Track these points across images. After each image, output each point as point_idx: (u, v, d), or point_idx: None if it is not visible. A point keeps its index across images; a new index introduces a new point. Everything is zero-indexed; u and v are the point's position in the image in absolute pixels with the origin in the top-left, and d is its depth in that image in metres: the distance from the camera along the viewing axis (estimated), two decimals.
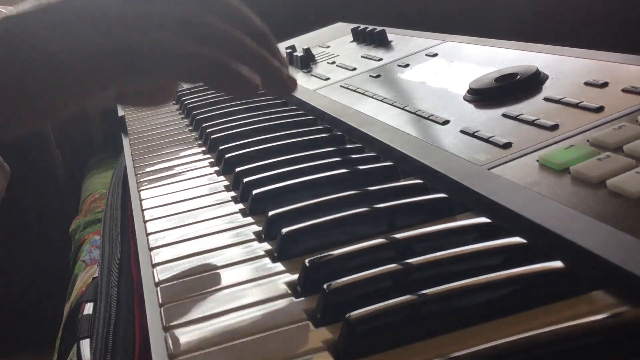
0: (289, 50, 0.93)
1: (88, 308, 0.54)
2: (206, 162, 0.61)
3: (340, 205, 0.42)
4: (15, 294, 1.58)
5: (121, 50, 0.39)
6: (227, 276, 0.38)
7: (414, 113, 0.55)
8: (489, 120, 0.48)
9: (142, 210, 0.51)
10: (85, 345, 0.49)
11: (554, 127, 0.43)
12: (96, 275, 0.58)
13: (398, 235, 0.36)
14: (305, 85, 0.77)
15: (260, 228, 0.43)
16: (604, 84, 0.47)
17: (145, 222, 0.48)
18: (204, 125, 0.70)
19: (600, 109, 0.44)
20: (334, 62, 0.83)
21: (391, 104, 0.59)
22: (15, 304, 1.58)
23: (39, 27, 0.39)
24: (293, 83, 0.46)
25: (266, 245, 0.41)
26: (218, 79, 0.42)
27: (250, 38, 0.44)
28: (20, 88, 0.39)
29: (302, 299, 0.34)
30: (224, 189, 0.52)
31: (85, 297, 0.57)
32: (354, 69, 0.76)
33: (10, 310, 1.57)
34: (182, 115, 0.83)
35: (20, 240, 1.57)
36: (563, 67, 0.53)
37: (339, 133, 0.60)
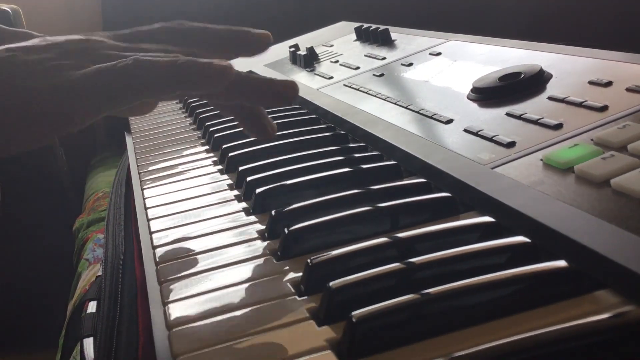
0: (292, 49, 0.93)
1: (91, 306, 0.54)
2: (209, 161, 0.61)
3: (343, 204, 0.42)
4: (18, 292, 1.58)
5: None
6: (231, 274, 0.38)
7: (418, 112, 0.55)
8: (493, 119, 0.48)
9: (146, 209, 0.51)
10: (88, 343, 0.49)
11: (558, 126, 0.43)
12: (99, 273, 0.59)
13: (401, 234, 0.36)
14: (309, 84, 0.77)
15: (263, 227, 0.43)
16: (608, 83, 0.47)
17: (148, 220, 0.49)
18: (207, 124, 0.70)
19: (604, 108, 0.44)
20: (337, 61, 0.83)
21: (395, 103, 0.59)
22: (19, 302, 1.59)
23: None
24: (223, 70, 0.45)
25: (269, 244, 0.41)
26: (188, 76, 0.42)
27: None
28: None
29: (306, 297, 0.34)
30: (227, 187, 0.52)
31: (88, 295, 0.57)
32: (358, 67, 0.76)
33: (14, 309, 1.58)
34: (186, 114, 0.83)
35: (24, 239, 1.57)
36: (567, 66, 0.53)
37: (342, 132, 0.60)
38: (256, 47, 0.52)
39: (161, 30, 0.49)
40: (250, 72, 0.53)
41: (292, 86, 0.47)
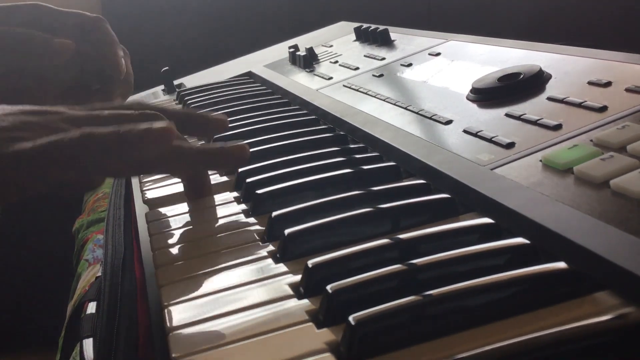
0: (291, 50, 0.93)
1: (91, 307, 0.54)
2: None
3: (343, 205, 0.42)
4: (18, 293, 1.58)
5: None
6: (230, 277, 0.38)
7: (417, 113, 0.55)
8: (492, 120, 0.48)
9: (146, 211, 0.51)
10: (88, 344, 0.49)
11: (557, 127, 0.43)
12: (99, 274, 0.59)
13: (401, 236, 0.36)
14: (308, 84, 0.77)
15: (263, 228, 0.43)
16: (608, 84, 0.47)
17: (148, 222, 0.48)
18: None
19: (603, 109, 0.43)
20: (336, 62, 0.83)
21: (394, 104, 0.59)
22: (19, 303, 1.59)
23: None
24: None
25: (269, 246, 0.41)
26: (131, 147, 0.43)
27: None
28: None
29: (305, 300, 0.34)
30: (227, 189, 0.52)
31: (88, 296, 0.57)
32: (357, 68, 0.76)
33: (14, 309, 1.58)
34: None
35: (24, 239, 1.57)
36: (566, 66, 0.53)
37: (341, 133, 0.60)
38: (212, 131, 0.59)
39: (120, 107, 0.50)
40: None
41: (243, 151, 0.49)
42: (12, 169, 0.41)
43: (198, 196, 0.51)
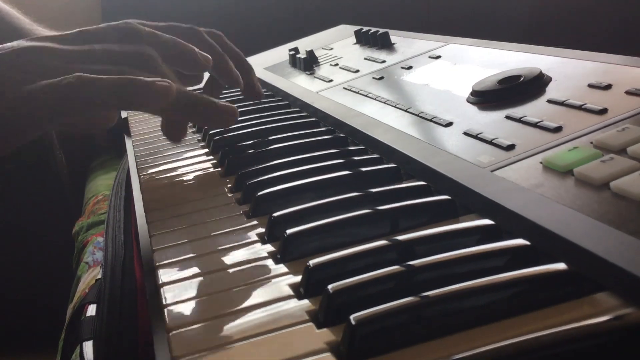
0: (292, 52, 0.93)
1: (91, 310, 0.54)
2: (209, 164, 0.61)
3: (343, 206, 0.42)
4: (18, 295, 1.58)
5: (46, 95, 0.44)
6: (230, 277, 0.38)
7: (417, 115, 0.55)
8: (493, 122, 0.48)
9: (146, 212, 0.51)
10: (88, 347, 0.49)
11: (558, 129, 0.43)
12: (99, 276, 0.59)
13: (401, 237, 0.36)
14: (309, 87, 0.77)
15: (263, 229, 0.43)
16: (608, 86, 0.47)
17: (148, 223, 0.48)
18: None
19: (603, 111, 0.44)
20: (337, 64, 0.83)
21: (394, 106, 0.59)
22: (18, 305, 1.58)
23: None
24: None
25: (269, 247, 0.41)
26: (131, 96, 0.45)
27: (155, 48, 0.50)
28: None
29: (305, 300, 0.34)
30: (226, 190, 0.52)
31: (88, 298, 0.57)
32: (357, 71, 0.76)
33: (13, 312, 1.58)
34: None
35: (23, 242, 1.57)
36: (566, 69, 0.53)
37: (342, 135, 0.60)
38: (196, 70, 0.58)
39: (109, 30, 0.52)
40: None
41: (232, 112, 0.53)
42: (11, 114, 0.43)
43: (175, 140, 0.56)
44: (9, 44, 0.47)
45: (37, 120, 0.44)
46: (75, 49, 0.48)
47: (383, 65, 0.75)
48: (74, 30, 0.51)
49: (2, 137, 0.44)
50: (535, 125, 0.45)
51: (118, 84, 0.44)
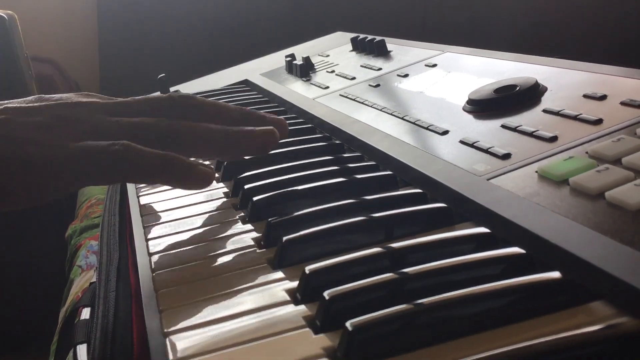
0: (288, 59, 0.93)
1: (85, 313, 0.54)
2: None
3: (339, 213, 0.42)
4: (10, 298, 1.57)
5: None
6: (227, 282, 0.38)
7: (414, 123, 0.55)
8: (488, 131, 0.49)
9: (142, 216, 0.51)
10: (81, 350, 0.49)
11: (553, 139, 0.44)
12: (93, 280, 0.58)
13: (398, 244, 0.36)
14: (305, 93, 0.77)
15: (259, 235, 0.43)
16: (603, 97, 0.47)
17: (144, 227, 0.49)
18: None
19: (599, 122, 0.44)
20: (333, 71, 0.83)
21: (390, 114, 0.60)
22: (10, 309, 1.58)
23: None
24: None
25: (266, 253, 0.41)
26: (135, 168, 0.44)
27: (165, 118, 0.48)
28: None
29: (302, 306, 0.34)
30: (223, 195, 0.53)
31: (82, 302, 0.57)
32: (354, 78, 0.77)
33: (5, 315, 1.57)
34: None
35: (16, 245, 1.57)
36: (562, 79, 0.53)
37: (338, 142, 0.60)
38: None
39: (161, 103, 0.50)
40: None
41: (272, 133, 0.50)
42: (53, 171, 0.42)
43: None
44: (57, 95, 0.47)
45: (74, 179, 0.43)
46: (121, 120, 0.47)
47: (379, 72, 0.76)
48: (126, 99, 0.50)
49: (38, 186, 0.43)
50: (530, 134, 0.45)
51: (163, 161, 0.44)
